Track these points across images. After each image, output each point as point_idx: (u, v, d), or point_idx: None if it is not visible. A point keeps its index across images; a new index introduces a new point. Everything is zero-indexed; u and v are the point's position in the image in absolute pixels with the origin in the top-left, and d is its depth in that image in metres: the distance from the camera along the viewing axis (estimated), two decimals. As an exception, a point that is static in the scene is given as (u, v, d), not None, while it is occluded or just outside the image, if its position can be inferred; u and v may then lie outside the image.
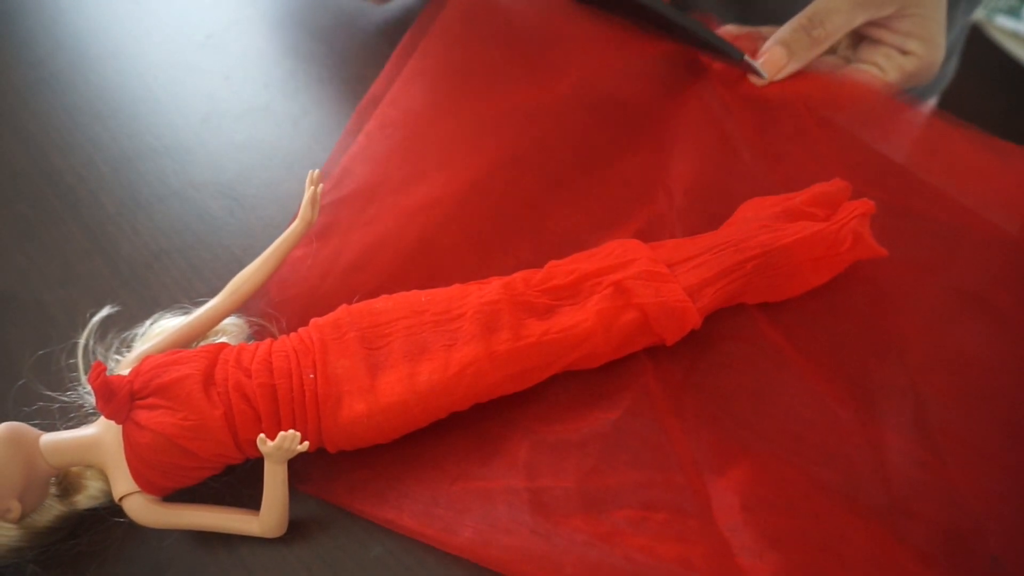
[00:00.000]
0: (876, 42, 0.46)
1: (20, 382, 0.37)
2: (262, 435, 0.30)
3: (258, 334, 0.37)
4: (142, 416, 0.31)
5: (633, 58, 0.46)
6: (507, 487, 0.33)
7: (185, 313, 0.36)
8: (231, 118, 0.48)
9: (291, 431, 0.30)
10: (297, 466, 0.33)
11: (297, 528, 0.33)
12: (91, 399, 0.35)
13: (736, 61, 0.43)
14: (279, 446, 0.30)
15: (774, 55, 0.44)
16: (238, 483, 0.34)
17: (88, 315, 0.37)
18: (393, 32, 0.51)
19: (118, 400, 0.30)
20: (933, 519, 0.32)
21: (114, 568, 0.33)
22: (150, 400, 0.31)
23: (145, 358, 0.32)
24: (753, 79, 0.44)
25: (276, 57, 0.51)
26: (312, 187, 0.35)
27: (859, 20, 0.44)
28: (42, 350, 0.38)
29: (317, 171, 0.35)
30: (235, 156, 0.46)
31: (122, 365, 0.33)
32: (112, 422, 0.31)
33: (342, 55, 0.51)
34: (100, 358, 0.36)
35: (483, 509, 0.32)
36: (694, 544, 0.31)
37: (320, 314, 0.34)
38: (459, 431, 0.34)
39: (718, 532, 0.32)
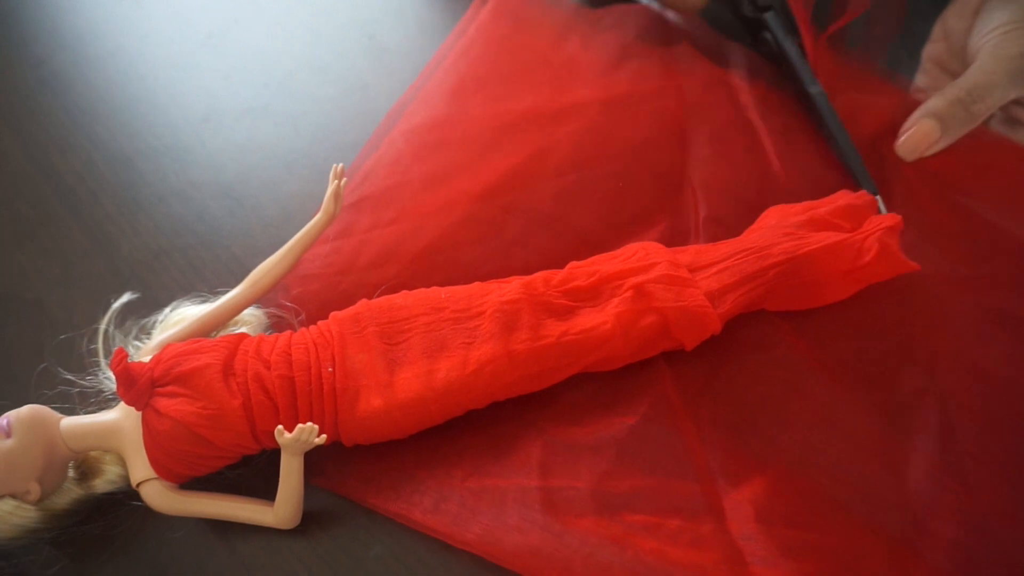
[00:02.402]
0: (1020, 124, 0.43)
1: (42, 365, 0.37)
2: (280, 427, 0.30)
3: (276, 326, 0.37)
4: (162, 403, 0.31)
5: (652, 68, 0.46)
6: (519, 485, 0.33)
7: (203, 301, 0.36)
8: (231, 118, 0.48)
9: (309, 424, 0.30)
10: (311, 459, 0.33)
11: (298, 527, 0.33)
12: (111, 384, 0.35)
13: (870, 193, 0.40)
14: (297, 438, 0.30)
15: (925, 128, 0.41)
16: (252, 474, 0.34)
17: (111, 299, 0.38)
18: (391, 32, 0.51)
19: (139, 387, 0.31)
20: (953, 540, 0.32)
21: (115, 564, 0.33)
22: (170, 388, 0.31)
23: (166, 346, 0.33)
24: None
25: (276, 57, 0.51)
26: (336, 181, 0.35)
27: (1012, 95, 0.41)
28: (42, 350, 0.38)
29: (341, 165, 0.35)
30: (235, 156, 0.46)
31: (143, 352, 0.34)
32: (132, 408, 0.32)
33: (342, 55, 0.51)
34: (119, 344, 0.36)
35: (494, 506, 0.32)
36: (707, 550, 0.31)
37: (339, 309, 0.34)
38: (473, 429, 0.34)
39: (732, 540, 0.32)
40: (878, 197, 0.39)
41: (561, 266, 0.37)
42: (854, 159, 0.41)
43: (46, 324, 0.40)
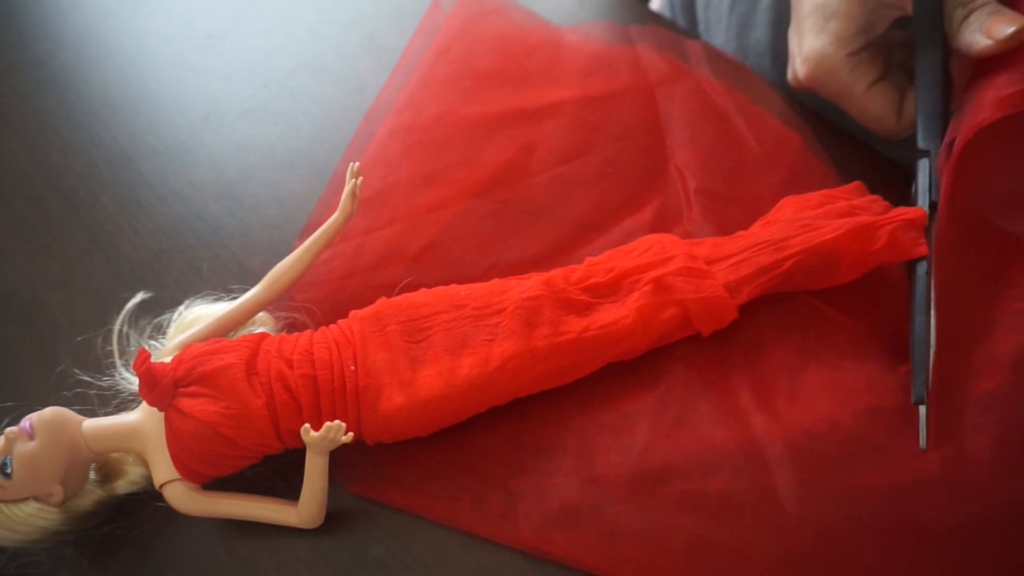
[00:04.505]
0: None
1: (59, 367, 0.37)
2: (306, 425, 0.30)
3: (288, 328, 0.37)
4: (185, 404, 0.31)
5: (622, 70, 0.47)
6: (560, 478, 0.33)
7: (216, 299, 0.36)
8: (231, 118, 0.48)
9: (337, 422, 0.30)
10: (344, 465, 0.33)
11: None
12: (128, 385, 0.35)
13: (913, 401, 0.34)
14: (324, 436, 0.30)
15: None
16: (272, 472, 0.34)
17: (113, 300, 0.38)
18: (391, 32, 0.51)
19: (161, 387, 0.31)
20: (978, 484, 0.32)
21: (118, 563, 0.33)
22: (193, 388, 0.31)
23: (187, 346, 0.33)
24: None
25: (276, 57, 0.51)
26: (353, 180, 0.35)
27: None
28: (42, 350, 0.39)
29: (358, 164, 0.35)
30: (235, 156, 0.46)
31: (162, 353, 0.34)
32: (153, 409, 0.32)
33: (342, 55, 0.51)
34: (133, 344, 0.36)
35: (539, 502, 0.33)
36: (752, 513, 0.32)
37: (344, 314, 0.34)
38: (502, 427, 0.34)
39: (775, 496, 0.32)
40: (922, 409, 0.34)
41: (560, 253, 0.38)
42: (920, 347, 0.35)
43: (47, 325, 0.40)
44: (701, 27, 0.62)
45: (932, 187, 0.38)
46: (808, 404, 0.34)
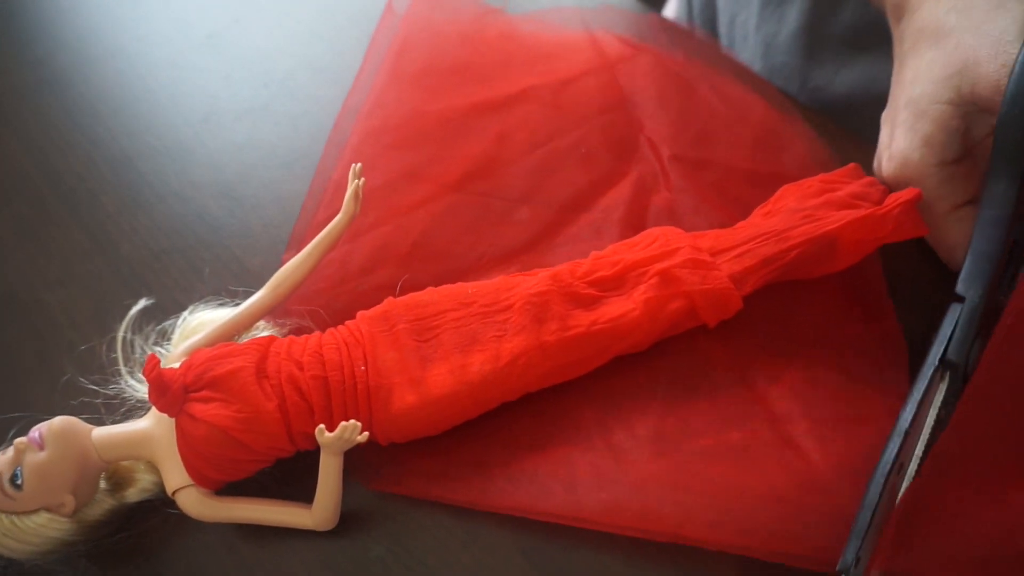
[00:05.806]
0: None
1: (65, 377, 0.37)
2: (321, 426, 0.30)
3: (295, 332, 0.37)
4: (196, 409, 0.31)
5: (582, 53, 0.48)
6: (584, 447, 0.34)
7: (221, 305, 0.36)
8: (231, 118, 0.48)
9: (352, 421, 0.30)
10: (360, 463, 0.33)
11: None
12: (134, 392, 0.35)
13: (837, 568, 0.30)
14: (339, 436, 0.30)
15: None
16: (283, 476, 0.34)
17: (113, 301, 0.38)
18: (391, 32, 0.51)
19: (172, 393, 0.30)
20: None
21: (116, 569, 0.33)
22: (203, 393, 0.31)
23: (195, 351, 0.33)
24: None
25: (276, 57, 0.51)
26: (355, 181, 0.35)
27: None
28: (42, 350, 0.38)
29: (360, 166, 0.35)
30: (235, 156, 0.46)
31: (169, 359, 0.34)
32: (163, 416, 0.32)
33: (342, 55, 0.51)
34: (136, 350, 0.36)
35: (567, 472, 0.33)
36: (769, 458, 0.33)
37: (342, 320, 0.35)
38: (520, 414, 0.35)
39: (788, 439, 0.33)
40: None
41: (546, 236, 0.39)
42: (866, 512, 0.30)
43: (47, 325, 0.40)
44: (724, 44, 0.61)
45: (953, 340, 0.33)
46: (808, 370, 0.36)
